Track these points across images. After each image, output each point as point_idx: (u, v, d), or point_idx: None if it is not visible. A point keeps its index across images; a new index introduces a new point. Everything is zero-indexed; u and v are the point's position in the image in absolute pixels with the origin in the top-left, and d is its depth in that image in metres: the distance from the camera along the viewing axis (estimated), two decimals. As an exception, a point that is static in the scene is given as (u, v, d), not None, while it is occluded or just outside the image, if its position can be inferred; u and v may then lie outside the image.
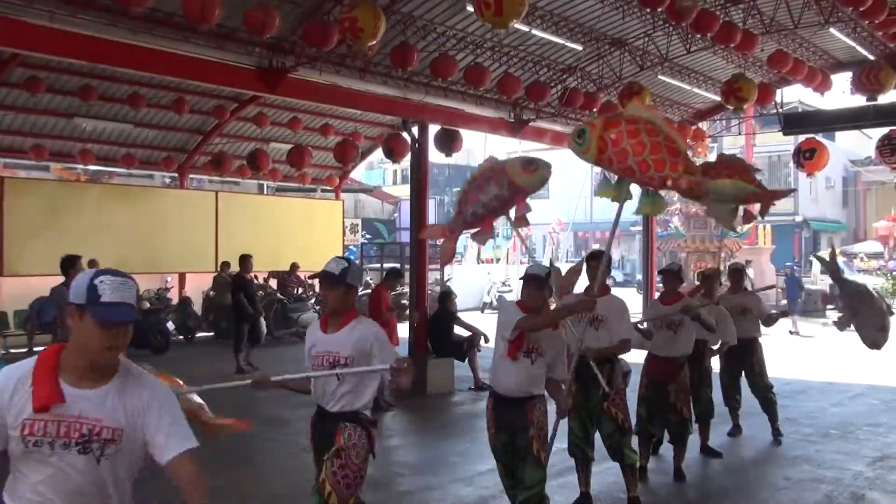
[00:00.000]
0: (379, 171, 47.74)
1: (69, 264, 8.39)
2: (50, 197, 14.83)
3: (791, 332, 18.41)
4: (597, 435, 5.72)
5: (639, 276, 24.45)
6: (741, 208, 4.87)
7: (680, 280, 6.87)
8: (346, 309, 3.99)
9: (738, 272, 8.30)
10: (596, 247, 40.17)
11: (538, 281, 4.62)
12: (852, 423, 8.69)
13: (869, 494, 6.18)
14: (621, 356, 5.81)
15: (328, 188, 20.72)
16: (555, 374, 4.68)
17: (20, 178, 16.70)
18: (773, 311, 8.72)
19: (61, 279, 8.49)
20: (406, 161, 14.21)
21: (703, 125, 18.67)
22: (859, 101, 14.43)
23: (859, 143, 37.55)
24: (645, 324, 6.75)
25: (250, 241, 16.87)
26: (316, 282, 17.71)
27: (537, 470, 4.53)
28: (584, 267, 5.66)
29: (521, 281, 4.74)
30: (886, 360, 13.55)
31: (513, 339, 4.47)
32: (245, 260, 12.39)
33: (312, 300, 16.59)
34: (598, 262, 5.52)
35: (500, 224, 45.67)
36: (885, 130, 14.54)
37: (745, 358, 7.85)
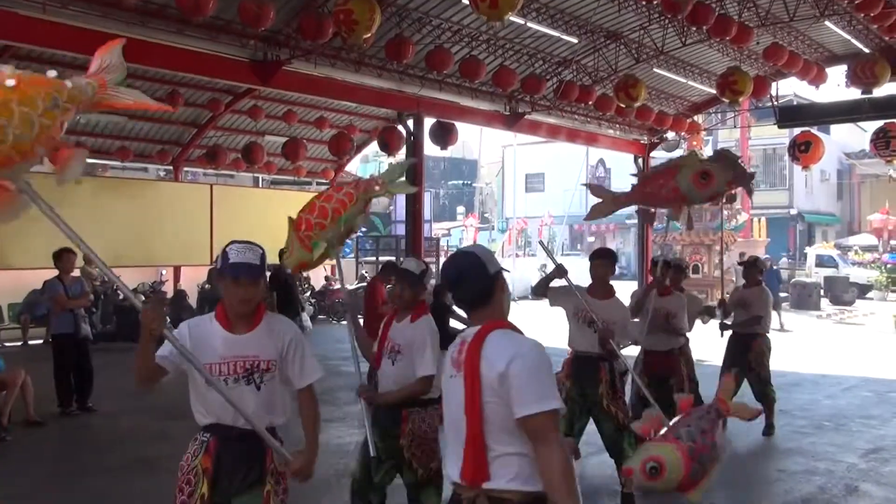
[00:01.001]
0: (374, 164, 47.63)
1: (62, 258, 8.38)
2: (43, 190, 14.66)
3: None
4: (583, 434, 5.69)
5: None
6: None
7: (683, 274, 6.92)
8: (418, 304, 4.33)
9: (752, 266, 7.99)
10: (591, 240, 40.26)
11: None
12: (845, 415, 8.72)
13: (862, 486, 6.21)
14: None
15: (323, 181, 20.68)
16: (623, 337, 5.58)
17: (14, 171, 16.58)
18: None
19: (55, 272, 8.47)
20: (401, 154, 14.20)
21: (699, 118, 18.69)
22: (854, 94, 14.46)
23: (854, 136, 37.62)
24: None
25: (245, 234, 16.59)
26: (311, 275, 17.76)
27: (608, 420, 5.38)
28: (588, 265, 5.66)
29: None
30: (879, 353, 13.62)
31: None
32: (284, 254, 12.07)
33: (308, 293, 16.57)
34: (604, 260, 5.54)
35: (496, 217, 45.64)
36: (879, 123, 14.57)
37: (744, 353, 7.83)
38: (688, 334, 6.97)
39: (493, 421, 2.37)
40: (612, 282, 5.65)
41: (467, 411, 2.39)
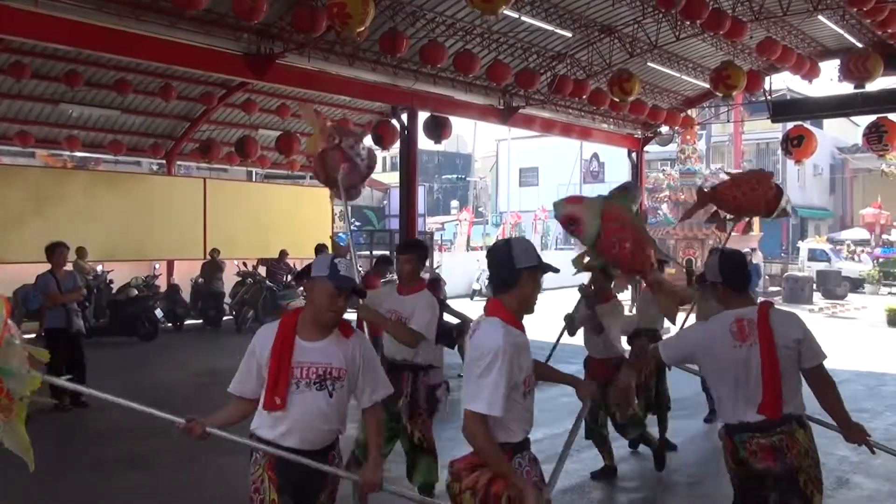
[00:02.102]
0: (368, 159, 47.55)
1: (55, 252, 8.36)
2: (36, 184, 14.70)
3: None
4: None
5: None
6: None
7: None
8: (419, 281, 5.03)
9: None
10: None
11: None
12: (837, 408, 8.77)
13: (853, 478, 6.26)
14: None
15: (317, 175, 20.65)
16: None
17: (5, 165, 16.51)
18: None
19: (47, 266, 8.45)
20: (395, 148, 14.18)
21: (693, 112, 18.71)
22: (847, 88, 14.49)
23: (846, 131, 37.73)
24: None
25: (239, 228, 16.82)
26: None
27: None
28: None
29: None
30: (871, 347, 13.69)
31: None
32: (321, 249, 12.13)
33: (301, 287, 16.55)
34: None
35: (490, 212, 45.60)
36: (872, 118, 14.61)
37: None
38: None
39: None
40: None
41: None
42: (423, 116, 13.59)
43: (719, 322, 3.52)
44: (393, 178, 29.90)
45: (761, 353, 3.38)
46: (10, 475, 6.21)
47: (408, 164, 12.38)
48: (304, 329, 3.16)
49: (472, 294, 24.36)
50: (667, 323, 7.14)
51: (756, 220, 26.51)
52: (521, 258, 2.92)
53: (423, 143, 13.93)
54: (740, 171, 5.70)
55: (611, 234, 4.08)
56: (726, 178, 7.06)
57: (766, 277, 23.26)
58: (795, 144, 15.24)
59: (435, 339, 4.85)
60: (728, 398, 3.49)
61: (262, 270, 17.27)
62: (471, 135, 48.89)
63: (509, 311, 2.94)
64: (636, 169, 19.33)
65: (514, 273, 2.92)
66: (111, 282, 14.93)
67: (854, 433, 3.73)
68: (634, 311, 7.13)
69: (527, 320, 3.03)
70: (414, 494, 3.86)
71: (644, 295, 7.33)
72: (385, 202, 33.90)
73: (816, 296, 23.48)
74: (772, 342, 3.40)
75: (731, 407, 3.48)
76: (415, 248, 5.11)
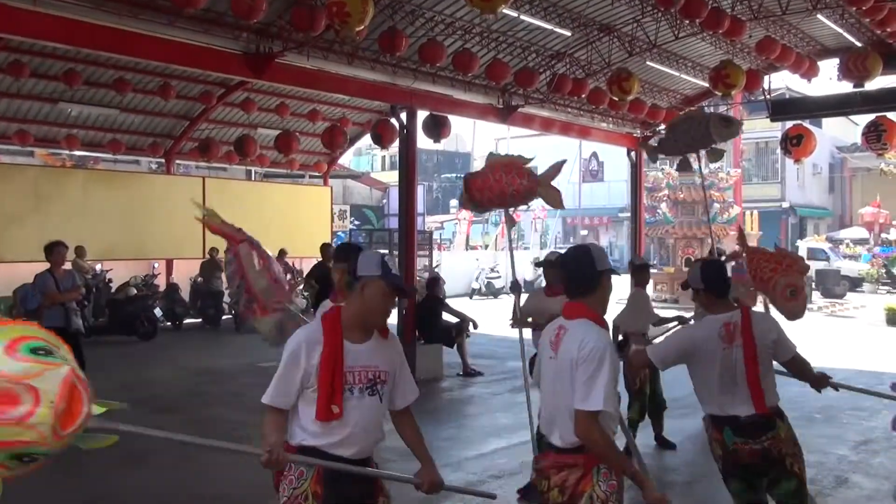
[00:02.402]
0: (367, 157, 47.59)
1: (53, 251, 8.35)
2: (35, 183, 14.70)
3: None
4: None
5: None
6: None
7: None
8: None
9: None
10: (584, 233, 40.26)
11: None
12: (836, 407, 8.78)
13: (852, 478, 6.26)
14: None
15: (316, 174, 20.64)
16: None
17: (4, 164, 16.51)
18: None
19: (46, 265, 8.44)
20: (394, 147, 14.15)
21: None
22: (846, 87, 14.49)
23: (846, 130, 37.73)
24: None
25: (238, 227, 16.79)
26: (303, 267, 17.71)
27: None
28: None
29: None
30: (870, 346, 13.70)
31: None
32: (326, 248, 12.13)
33: (301, 286, 16.55)
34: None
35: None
36: (871, 117, 14.60)
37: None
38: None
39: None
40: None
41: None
42: (422, 115, 13.55)
43: (708, 326, 3.92)
44: (392, 178, 29.89)
45: (745, 354, 3.78)
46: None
47: (407, 163, 12.35)
48: (349, 331, 2.99)
49: (472, 293, 24.36)
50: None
51: (756, 220, 26.56)
52: (601, 261, 3.12)
53: (423, 142, 13.87)
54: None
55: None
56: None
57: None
58: (794, 143, 15.22)
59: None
60: (715, 394, 3.86)
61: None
62: (470, 134, 48.96)
63: (595, 312, 3.10)
64: (635, 168, 19.32)
65: (596, 276, 3.11)
66: (110, 281, 14.93)
67: (820, 382, 4.21)
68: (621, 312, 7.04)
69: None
70: (466, 487, 3.81)
71: (636, 295, 7.14)
72: (384, 201, 33.88)
73: (815, 295, 23.50)
74: (754, 343, 3.80)
75: (718, 402, 3.85)
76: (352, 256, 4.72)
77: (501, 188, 5.40)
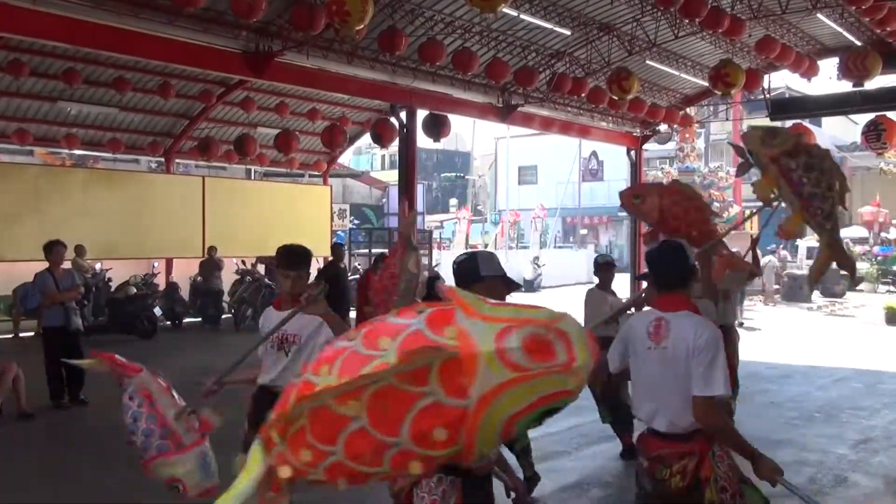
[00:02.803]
0: (367, 157, 47.58)
1: (53, 250, 8.35)
2: (34, 182, 14.69)
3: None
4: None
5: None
6: None
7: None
8: None
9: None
10: (584, 232, 40.26)
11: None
12: (836, 406, 8.78)
13: (852, 477, 6.26)
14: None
15: (316, 173, 20.64)
16: None
17: (4, 163, 16.50)
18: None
19: (46, 265, 8.44)
20: (394, 146, 14.17)
21: (691, 110, 18.71)
22: (846, 86, 14.50)
23: (845, 129, 37.71)
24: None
25: (238, 226, 16.80)
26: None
27: None
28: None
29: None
30: (870, 344, 13.70)
31: None
32: (338, 248, 12.06)
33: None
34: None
35: (489, 210, 45.62)
36: (871, 116, 14.62)
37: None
38: None
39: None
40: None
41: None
42: (421, 114, 13.58)
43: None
44: (392, 177, 29.87)
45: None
46: (12, 473, 6.22)
47: (407, 163, 12.38)
48: None
49: (471, 292, 24.31)
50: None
51: (755, 219, 26.53)
52: (691, 256, 3.41)
53: (422, 141, 13.92)
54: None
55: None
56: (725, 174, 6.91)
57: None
58: (794, 143, 15.23)
59: None
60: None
61: (261, 268, 17.27)
62: (470, 133, 49.03)
63: (693, 303, 3.28)
64: (635, 167, 19.33)
65: (691, 269, 3.36)
66: (110, 280, 14.92)
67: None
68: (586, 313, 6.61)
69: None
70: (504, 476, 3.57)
71: (592, 295, 6.70)
72: (384, 200, 33.87)
73: (815, 294, 23.49)
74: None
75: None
76: (303, 262, 4.08)
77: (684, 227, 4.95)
